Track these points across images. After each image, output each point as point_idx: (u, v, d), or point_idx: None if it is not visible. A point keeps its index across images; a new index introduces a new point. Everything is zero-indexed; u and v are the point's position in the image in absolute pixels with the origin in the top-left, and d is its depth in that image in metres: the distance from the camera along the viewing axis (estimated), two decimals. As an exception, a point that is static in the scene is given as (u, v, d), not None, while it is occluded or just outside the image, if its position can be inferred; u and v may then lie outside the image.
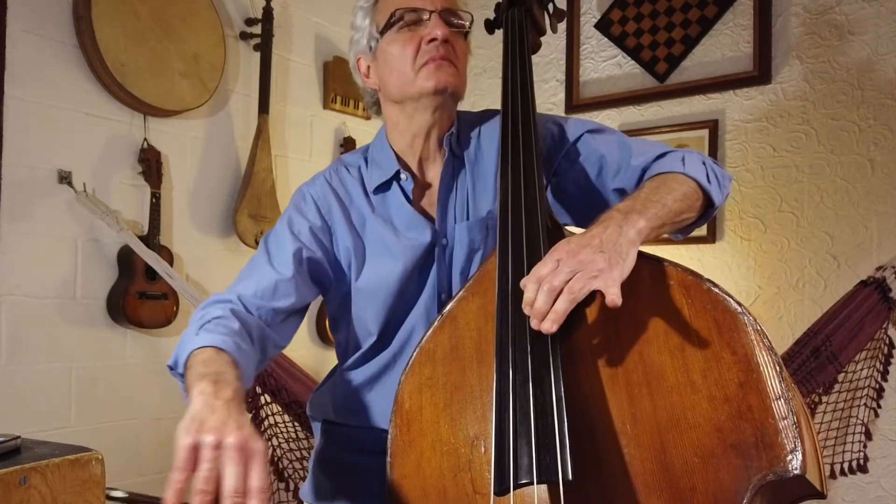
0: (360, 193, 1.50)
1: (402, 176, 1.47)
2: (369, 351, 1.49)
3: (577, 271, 1.08)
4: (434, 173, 1.50)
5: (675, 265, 1.13)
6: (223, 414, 1.00)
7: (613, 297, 1.05)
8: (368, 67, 1.50)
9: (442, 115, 1.46)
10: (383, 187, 1.49)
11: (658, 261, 1.14)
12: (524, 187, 1.29)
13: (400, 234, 1.45)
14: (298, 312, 1.47)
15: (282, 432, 2.76)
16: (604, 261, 1.08)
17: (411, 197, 1.48)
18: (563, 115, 3.44)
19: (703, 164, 1.35)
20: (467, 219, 1.46)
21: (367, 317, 1.47)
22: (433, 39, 1.38)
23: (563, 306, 1.07)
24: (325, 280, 1.49)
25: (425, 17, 1.39)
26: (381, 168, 1.50)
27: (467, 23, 1.45)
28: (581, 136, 1.48)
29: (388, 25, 1.41)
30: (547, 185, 1.49)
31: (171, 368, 1.27)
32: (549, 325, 1.07)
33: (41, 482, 1.52)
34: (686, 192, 1.29)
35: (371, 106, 1.58)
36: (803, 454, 0.94)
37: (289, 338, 1.47)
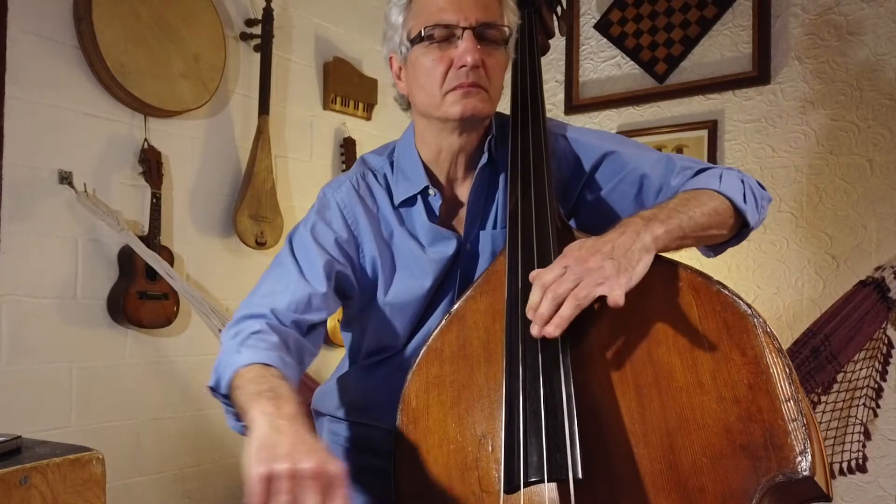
0: (387, 204, 1.45)
1: (431, 192, 1.42)
2: (387, 355, 1.49)
3: (582, 278, 1.09)
4: (463, 191, 1.45)
5: (685, 266, 1.13)
6: (292, 436, 0.98)
7: (615, 297, 1.05)
8: (400, 69, 1.42)
9: (470, 136, 1.40)
10: (410, 201, 1.44)
11: (668, 262, 1.15)
12: (534, 188, 1.30)
13: (426, 248, 1.42)
14: (325, 322, 1.44)
15: (282, 432, 2.76)
16: (612, 268, 1.09)
17: (437, 214, 1.43)
18: (562, 115, 3.48)
19: (742, 182, 1.32)
20: (494, 227, 1.43)
21: (393, 329, 1.45)
22: (463, 65, 1.29)
23: (567, 312, 1.08)
24: (351, 292, 1.45)
25: (457, 33, 1.30)
26: (409, 180, 1.44)
27: (506, 33, 1.35)
28: (612, 152, 1.44)
29: (419, 38, 1.33)
30: (577, 198, 1.47)
31: (213, 389, 1.23)
32: (552, 329, 1.08)
33: (42, 482, 1.52)
34: (717, 207, 1.26)
35: (401, 102, 1.50)
36: (812, 456, 0.95)
37: (320, 346, 1.43)
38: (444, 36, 1.30)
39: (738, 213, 1.30)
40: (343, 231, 1.42)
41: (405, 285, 1.42)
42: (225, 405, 1.24)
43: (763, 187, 1.39)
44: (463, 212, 1.44)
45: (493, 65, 1.33)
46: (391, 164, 1.48)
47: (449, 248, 1.41)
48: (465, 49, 1.29)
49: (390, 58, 1.43)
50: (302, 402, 1.13)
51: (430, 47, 1.32)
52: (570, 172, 1.46)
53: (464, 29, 1.29)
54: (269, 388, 1.10)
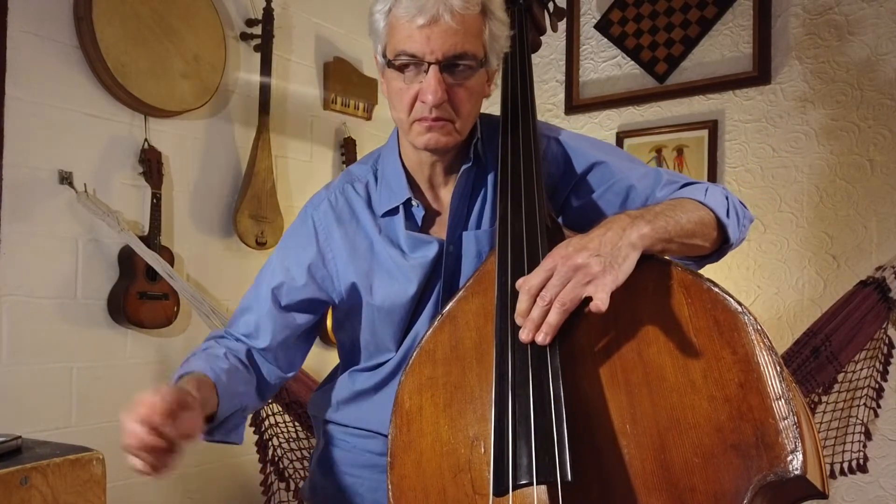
0: (367, 214, 1.45)
1: (414, 203, 1.42)
2: (377, 360, 1.49)
3: (568, 279, 1.08)
4: (446, 194, 1.45)
5: (676, 264, 1.13)
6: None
7: (598, 302, 1.05)
8: (381, 71, 1.39)
9: (444, 154, 1.40)
10: (392, 211, 1.44)
11: (658, 260, 1.15)
12: (524, 187, 1.30)
13: (407, 255, 1.42)
14: (297, 341, 1.52)
15: (282, 432, 2.76)
16: (598, 265, 1.08)
17: (420, 223, 1.43)
18: (563, 115, 3.48)
19: (726, 198, 1.33)
20: (478, 227, 1.43)
21: (382, 334, 1.46)
22: (425, 101, 1.28)
23: (555, 318, 1.08)
24: (321, 307, 1.51)
25: (424, 67, 1.26)
26: (392, 190, 1.44)
27: (479, 62, 1.30)
28: (601, 162, 1.44)
29: (391, 62, 1.30)
30: (562, 203, 1.47)
31: None
32: (542, 338, 1.09)
33: (42, 482, 1.53)
34: (702, 218, 1.26)
35: None
36: (804, 454, 0.94)
37: (293, 365, 1.54)
38: (412, 64, 1.27)
39: (721, 228, 1.30)
40: (313, 249, 1.47)
41: (391, 290, 1.42)
42: None
43: (745, 207, 1.39)
44: (446, 214, 1.44)
45: (463, 96, 1.30)
46: (374, 172, 1.49)
47: (430, 251, 1.41)
48: (427, 86, 1.26)
49: (375, 55, 1.40)
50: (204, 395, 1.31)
51: (399, 74, 1.30)
52: (559, 176, 1.45)
53: (430, 64, 1.26)
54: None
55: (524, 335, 1.10)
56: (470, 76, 1.30)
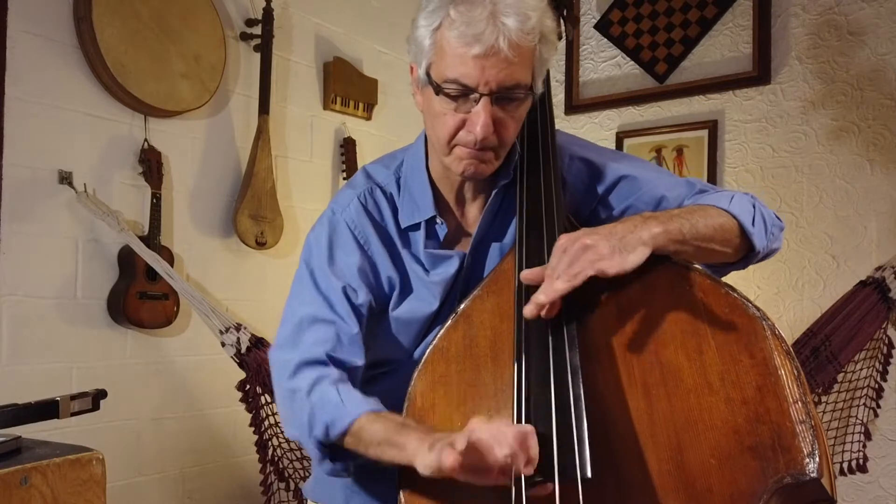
0: (393, 224, 1.41)
1: (438, 220, 1.38)
2: (390, 367, 1.47)
3: (577, 257, 1.11)
4: (472, 211, 1.42)
5: (695, 268, 1.14)
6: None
7: (605, 269, 1.08)
8: (418, 84, 1.33)
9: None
10: (415, 226, 1.40)
11: (677, 264, 1.16)
12: (543, 190, 1.30)
13: (429, 272, 1.39)
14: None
15: (282, 432, 2.75)
16: (607, 247, 1.11)
17: (441, 240, 1.40)
18: (562, 115, 3.48)
19: (753, 206, 1.31)
20: (502, 239, 1.40)
21: (398, 342, 1.42)
22: (472, 132, 1.23)
23: (561, 286, 1.10)
24: (374, 310, 1.41)
25: (474, 96, 1.21)
26: (416, 204, 1.40)
27: (524, 94, 1.25)
28: (628, 175, 1.42)
29: (436, 86, 1.24)
30: (589, 215, 1.44)
31: (322, 442, 1.25)
32: (542, 298, 1.11)
33: (42, 482, 1.52)
34: (724, 224, 1.25)
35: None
36: (820, 458, 0.95)
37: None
38: (462, 93, 1.22)
39: (745, 236, 1.28)
40: (357, 255, 1.38)
41: (413, 305, 1.39)
42: (321, 452, 1.28)
43: (779, 218, 1.37)
44: (471, 228, 1.41)
45: (510, 126, 1.27)
46: (398, 180, 1.44)
47: (451, 267, 1.38)
48: (476, 119, 1.22)
49: (411, 66, 1.35)
50: None
51: (445, 100, 1.24)
52: (583, 192, 1.44)
53: (481, 95, 1.21)
54: (401, 422, 1.19)
55: (527, 309, 1.12)
56: (519, 106, 1.26)
